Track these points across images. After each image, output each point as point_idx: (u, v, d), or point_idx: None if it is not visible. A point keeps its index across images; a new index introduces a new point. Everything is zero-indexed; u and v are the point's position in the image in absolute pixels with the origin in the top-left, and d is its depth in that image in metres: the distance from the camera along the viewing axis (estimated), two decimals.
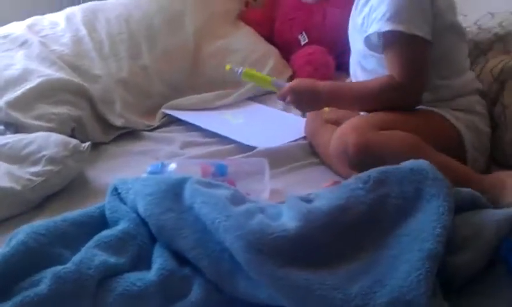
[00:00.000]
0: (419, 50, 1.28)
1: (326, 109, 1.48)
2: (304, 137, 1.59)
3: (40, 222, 1.04)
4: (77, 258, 0.94)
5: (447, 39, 1.35)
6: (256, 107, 1.81)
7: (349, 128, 1.27)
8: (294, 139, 1.58)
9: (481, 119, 1.39)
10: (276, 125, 1.69)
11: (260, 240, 0.89)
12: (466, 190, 1.04)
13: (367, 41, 1.36)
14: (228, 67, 1.50)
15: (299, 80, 1.50)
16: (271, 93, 1.86)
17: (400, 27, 1.25)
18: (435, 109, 1.36)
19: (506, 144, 1.40)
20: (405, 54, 1.28)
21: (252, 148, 1.50)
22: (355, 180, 0.99)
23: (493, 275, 0.94)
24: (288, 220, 0.94)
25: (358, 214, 0.94)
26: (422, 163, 0.99)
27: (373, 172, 0.99)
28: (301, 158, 1.49)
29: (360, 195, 0.96)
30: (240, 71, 1.48)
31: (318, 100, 1.41)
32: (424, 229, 0.89)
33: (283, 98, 1.44)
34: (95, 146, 1.51)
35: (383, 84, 1.31)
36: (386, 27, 1.26)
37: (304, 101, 1.43)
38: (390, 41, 1.29)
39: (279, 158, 1.45)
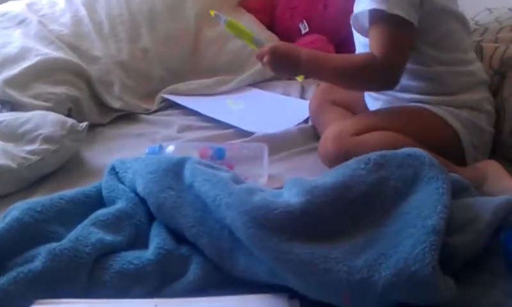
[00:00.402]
0: (400, 30, 1.27)
1: (299, 78, 1.46)
2: (306, 121, 1.58)
3: (36, 199, 1.03)
4: (73, 235, 0.92)
5: (444, 23, 1.33)
6: (257, 93, 1.79)
7: (330, 136, 1.28)
8: (295, 123, 1.56)
9: (487, 117, 1.37)
10: (277, 110, 1.68)
11: (264, 215, 0.88)
12: (457, 177, 1.05)
13: (355, 22, 1.36)
14: (212, 12, 1.44)
15: (281, 43, 1.49)
16: (271, 79, 1.86)
17: (383, 6, 1.25)
18: (428, 107, 1.34)
19: (505, 136, 1.39)
20: (386, 32, 1.27)
21: (251, 134, 1.49)
22: (356, 161, 0.99)
23: (491, 264, 0.93)
24: (292, 196, 0.93)
25: (359, 192, 0.94)
26: (418, 150, 1.00)
27: (373, 155, 0.99)
28: (301, 143, 1.47)
29: (361, 175, 0.96)
30: (224, 20, 1.43)
31: (297, 67, 1.35)
32: (425, 207, 0.89)
33: (260, 58, 1.37)
34: (92, 127, 1.49)
35: (364, 60, 1.30)
36: (371, 5, 1.27)
37: (282, 65, 1.37)
38: (373, 20, 1.29)
39: (278, 144, 1.43)
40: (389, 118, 1.33)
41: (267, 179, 1.29)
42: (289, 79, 1.77)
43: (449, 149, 1.30)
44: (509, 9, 1.66)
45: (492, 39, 1.57)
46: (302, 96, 1.77)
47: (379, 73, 1.28)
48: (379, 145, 1.15)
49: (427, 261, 0.80)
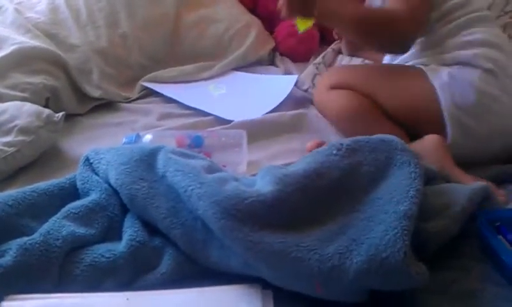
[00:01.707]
0: None
1: (303, 25, 1.39)
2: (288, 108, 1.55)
3: (8, 193, 1.01)
4: (44, 228, 0.91)
5: None
6: (239, 75, 1.76)
7: (316, 87, 1.35)
8: (279, 101, 1.56)
9: (484, 75, 1.27)
10: (260, 91, 1.66)
11: (235, 205, 0.87)
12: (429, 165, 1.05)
13: None
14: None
15: None
16: (254, 64, 1.84)
17: None
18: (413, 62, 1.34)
19: None
20: None
21: (231, 121, 1.47)
22: (329, 147, 0.99)
23: (466, 249, 0.94)
24: (263, 185, 0.92)
25: (332, 179, 0.93)
26: (390, 136, 1.00)
27: (345, 140, 0.99)
28: (282, 129, 1.45)
29: (334, 160, 0.95)
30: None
31: (312, 4, 1.30)
32: (397, 192, 0.88)
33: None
34: (70, 117, 1.47)
35: (391, 12, 1.28)
36: None
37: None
38: None
39: (259, 130, 1.42)
40: (366, 75, 1.36)
41: (246, 166, 1.27)
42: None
43: (425, 108, 1.28)
44: None
45: None
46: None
47: (401, 25, 1.26)
48: (336, 115, 1.28)
49: (398, 246, 0.80)
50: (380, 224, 0.84)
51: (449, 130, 1.27)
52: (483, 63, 1.28)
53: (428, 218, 0.90)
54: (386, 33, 1.29)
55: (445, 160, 1.19)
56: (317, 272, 0.82)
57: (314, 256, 0.82)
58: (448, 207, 0.92)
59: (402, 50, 1.34)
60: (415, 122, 1.31)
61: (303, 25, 1.39)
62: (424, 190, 0.90)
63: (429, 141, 1.24)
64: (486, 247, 0.93)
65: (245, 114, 1.49)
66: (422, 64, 1.34)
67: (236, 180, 0.96)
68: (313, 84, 1.63)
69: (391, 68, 1.37)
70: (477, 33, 1.32)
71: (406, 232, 0.81)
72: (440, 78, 1.29)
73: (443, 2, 1.34)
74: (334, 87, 1.34)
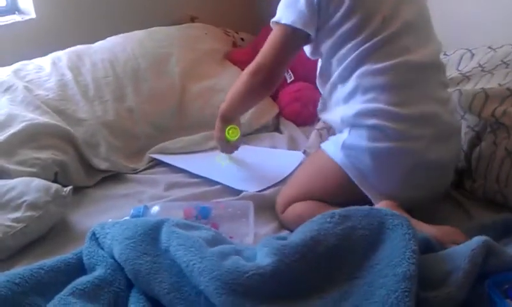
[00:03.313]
0: (279, 33, 1.35)
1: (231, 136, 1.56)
2: None
3: (16, 271, 1.02)
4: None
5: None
6: (245, 148, 1.79)
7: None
8: (286, 175, 1.57)
9: (371, 133, 1.23)
10: (266, 164, 1.68)
11: (235, 280, 0.88)
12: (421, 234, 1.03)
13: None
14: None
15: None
16: (258, 131, 1.87)
17: (273, 19, 1.36)
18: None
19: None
20: (269, 38, 1.38)
21: (240, 191, 1.48)
22: (321, 216, 1.00)
23: None
24: (262, 258, 0.93)
25: (329, 245, 0.94)
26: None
27: (337, 210, 1.01)
28: None
29: (329, 227, 0.96)
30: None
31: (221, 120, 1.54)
32: (394, 255, 0.89)
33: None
34: (78, 189, 1.49)
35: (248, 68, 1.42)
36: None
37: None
38: None
39: (266, 202, 1.42)
40: (297, 183, 1.40)
41: (253, 238, 1.27)
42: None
43: (349, 190, 1.27)
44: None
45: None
46: (290, 147, 1.77)
47: (257, 74, 1.40)
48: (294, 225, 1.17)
49: None
50: (381, 289, 0.84)
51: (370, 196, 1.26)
52: (366, 120, 1.25)
53: (430, 287, 0.89)
54: (252, 86, 1.42)
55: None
56: None
57: None
58: (450, 274, 0.91)
59: (268, 90, 1.46)
60: (347, 199, 1.20)
61: (231, 136, 1.57)
62: (422, 259, 0.90)
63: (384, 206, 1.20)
64: None
65: (254, 184, 1.51)
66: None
67: (237, 253, 0.97)
68: None
69: (308, 162, 1.44)
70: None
71: (406, 294, 0.81)
72: (337, 155, 1.29)
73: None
74: (286, 206, 1.36)
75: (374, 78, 1.24)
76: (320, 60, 1.41)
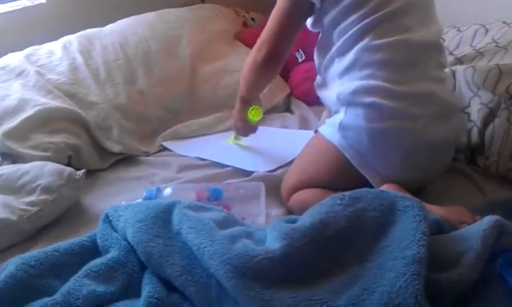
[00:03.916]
0: (283, 4, 1.31)
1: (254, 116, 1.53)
2: None
3: (31, 253, 1.04)
4: (65, 288, 0.93)
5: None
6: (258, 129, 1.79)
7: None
8: (297, 154, 1.54)
9: (370, 111, 1.21)
10: (278, 144, 1.67)
11: (244, 264, 0.88)
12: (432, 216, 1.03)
13: None
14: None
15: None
16: (269, 111, 1.86)
17: None
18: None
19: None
20: (273, 10, 1.34)
21: (251, 172, 1.48)
22: (331, 199, 0.99)
23: (490, 293, 0.91)
24: (271, 242, 0.93)
25: (339, 228, 0.94)
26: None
27: (347, 192, 0.99)
28: None
29: (339, 210, 0.96)
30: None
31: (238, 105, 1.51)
32: (404, 237, 0.88)
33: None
34: (91, 172, 1.51)
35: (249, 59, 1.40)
36: None
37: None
38: None
39: (277, 182, 1.42)
40: (298, 170, 1.38)
41: (265, 218, 1.28)
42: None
43: (348, 173, 1.25)
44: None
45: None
46: (301, 126, 1.76)
47: (263, 49, 1.37)
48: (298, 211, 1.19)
49: (409, 292, 0.80)
50: (390, 271, 0.84)
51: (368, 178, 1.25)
52: (364, 98, 1.22)
53: (442, 268, 0.89)
54: (261, 65, 1.38)
55: None
56: None
57: None
58: (462, 255, 0.90)
59: (275, 64, 1.39)
60: (348, 183, 1.20)
61: (254, 116, 1.52)
62: (434, 240, 0.89)
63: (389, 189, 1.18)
64: (508, 290, 0.91)
65: (266, 164, 1.51)
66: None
67: (248, 235, 0.97)
68: None
69: (307, 148, 1.41)
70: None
71: (415, 277, 0.81)
72: (334, 136, 1.27)
73: None
74: (290, 194, 1.35)
75: (372, 54, 1.22)
76: (320, 33, 1.38)
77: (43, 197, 1.30)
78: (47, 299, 0.91)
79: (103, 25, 1.94)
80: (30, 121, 1.52)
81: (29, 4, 2.06)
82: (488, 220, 0.94)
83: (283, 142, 1.69)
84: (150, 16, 1.99)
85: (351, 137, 1.24)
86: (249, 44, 2.03)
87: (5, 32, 1.96)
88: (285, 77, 2.00)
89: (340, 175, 1.27)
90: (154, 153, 1.67)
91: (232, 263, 0.88)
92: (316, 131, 1.47)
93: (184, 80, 1.83)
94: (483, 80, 1.43)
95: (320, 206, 0.98)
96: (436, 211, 1.09)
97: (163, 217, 1.02)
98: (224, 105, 1.81)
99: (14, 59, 1.75)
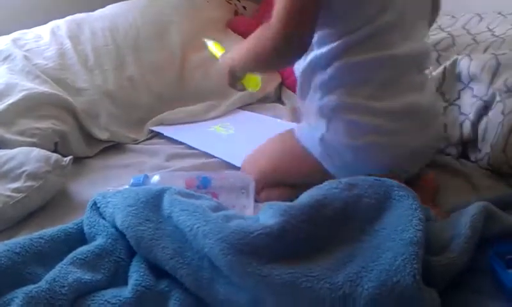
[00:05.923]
0: None
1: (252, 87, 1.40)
2: None
3: (16, 240, 1.01)
4: (50, 276, 0.90)
5: None
6: (247, 115, 1.77)
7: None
8: None
9: (349, 127, 1.18)
10: (268, 135, 1.65)
11: (241, 240, 0.87)
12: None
13: None
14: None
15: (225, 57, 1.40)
16: (261, 101, 1.85)
17: None
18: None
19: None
20: None
21: (239, 167, 1.44)
22: (328, 183, 0.99)
23: (477, 283, 0.91)
24: (267, 218, 0.92)
25: (335, 209, 0.94)
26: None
27: (342, 179, 1.00)
28: None
29: (336, 193, 0.96)
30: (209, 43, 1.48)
31: (234, 71, 1.32)
32: (400, 222, 0.89)
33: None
34: (78, 160, 1.48)
35: (258, 34, 1.19)
36: None
37: (229, 79, 1.35)
38: None
39: None
40: (274, 162, 1.34)
41: (253, 210, 1.26)
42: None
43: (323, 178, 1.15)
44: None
45: None
46: (292, 118, 1.75)
47: (275, 40, 1.13)
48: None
49: (408, 270, 0.80)
50: (388, 251, 0.84)
51: None
52: (343, 114, 1.19)
53: (434, 253, 0.89)
54: (265, 55, 1.18)
55: None
56: (328, 301, 0.81)
57: (325, 285, 0.82)
58: (452, 240, 0.91)
59: (295, 54, 1.17)
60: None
61: (251, 84, 1.39)
62: (427, 225, 0.89)
63: None
64: (498, 282, 0.91)
65: None
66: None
67: (241, 217, 0.96)
68: None
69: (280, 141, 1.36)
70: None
71: (414, 257, 0.81)
72: (316, 149, 1.24)
73: None
74: (258, 183, 1.30)
75: (353, 72, 1.18)
76: None
77: (28, 183, 1.28)
78: (31, 287, 0.88)
79: (92, 10, 1.91)
80: (16, 106, 1.49)
81: None
82: (477, 205, 0.95)
83: (272, 133, 1.66)
84: (140, 1, 1.98)
85: (332, 151, 1.22)
86: (241, 32, 2.02)
87: None
88: None
89: (315, 180, 1.16)
90: (143, 140, 1.65)
91: (227, 240, 0.87)
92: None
93: (174, 67, 1.81)
94: (480, 71, 1.41)
95: (318, 189, 0.98)
96: None
97: (153, 202, 1.00)
98: (214, 94, 1.80)
99: (1, 42, 1.72)
